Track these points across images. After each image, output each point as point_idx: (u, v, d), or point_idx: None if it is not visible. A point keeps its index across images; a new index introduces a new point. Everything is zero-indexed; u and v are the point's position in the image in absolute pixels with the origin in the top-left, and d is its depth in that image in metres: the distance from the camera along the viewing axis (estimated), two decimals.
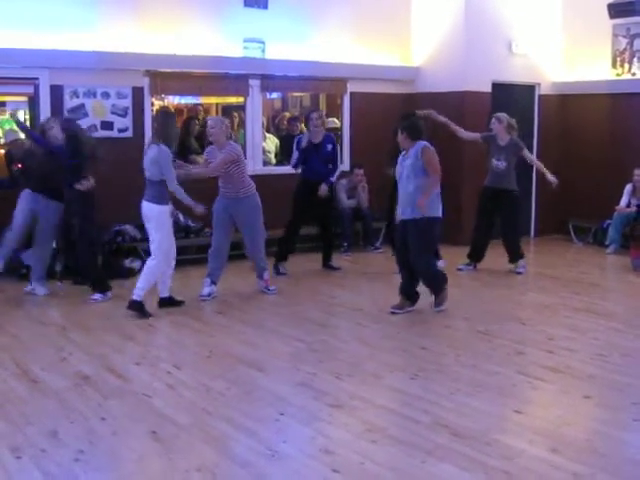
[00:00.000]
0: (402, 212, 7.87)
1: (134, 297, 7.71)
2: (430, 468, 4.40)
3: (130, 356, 6.54)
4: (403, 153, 7.95)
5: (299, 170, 9.80)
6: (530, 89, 12.59)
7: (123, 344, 6.91)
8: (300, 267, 10.08)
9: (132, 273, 9.59)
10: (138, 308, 7.71)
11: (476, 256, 10.04)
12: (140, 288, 7.70)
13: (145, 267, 7.84)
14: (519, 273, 9.85)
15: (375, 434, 4.88)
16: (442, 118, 9.88)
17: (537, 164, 10.05)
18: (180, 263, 10.01)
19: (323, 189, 9.65)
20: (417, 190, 7.67)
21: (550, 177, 9.71)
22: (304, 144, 9.60)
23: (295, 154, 9.75)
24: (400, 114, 9.64)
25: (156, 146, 7.68)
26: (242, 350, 6.75)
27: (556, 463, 4.46)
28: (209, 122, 8.68)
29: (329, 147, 9.73)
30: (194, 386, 5.80)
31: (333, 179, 9.88)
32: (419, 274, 7.97)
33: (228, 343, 6.96)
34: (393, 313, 7.87)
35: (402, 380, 5.99)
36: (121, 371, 6.13)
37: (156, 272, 7.79)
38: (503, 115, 9.77)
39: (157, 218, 7.73)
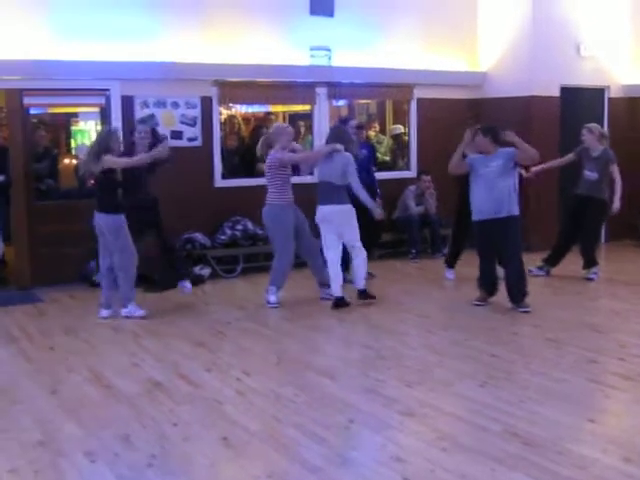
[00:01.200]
0: (495, 211, 8.01)
1: (360, 286, 8.53)
2: (500, 477, 4.37)
3: (201, 362, 6.62)
4: (473, 155, 8.19)
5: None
6: (599, 92, 12.40)
7: (194, 351, 7.00)
8: None
9: (201, 280, 9.71)
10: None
11: (553, 261, 9.93)
12: (359, 278, 8.53)
13: (354, 264, 8.54)
14: (590, 279, 9.70)
15: (445, 442, 4.86)
16: (541, 167, 9.70)
17: (618, 185, 9.58)
18: (248, 270, 10.19)
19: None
20: (511, 188, 8.03)
21: (617, 204, 9.52)
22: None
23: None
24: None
25: (342, 155, 8.32)
26: (310, 357, 6.79)
27: (630, 472, 4.39)
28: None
29: (364, 152, 9.50)
30: (264, 393, 5.85)
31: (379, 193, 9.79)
32: (516, 272, 8.15)
33: (296, 350, 7.01)
34: (477, 305, 8.35)
35: (471, 388, 5.96)
36: (192, 377, 6.21)
37: (363, 263, 8.49)
38: (594, 125, 9.67)
39: (346, 215, 8.33)
